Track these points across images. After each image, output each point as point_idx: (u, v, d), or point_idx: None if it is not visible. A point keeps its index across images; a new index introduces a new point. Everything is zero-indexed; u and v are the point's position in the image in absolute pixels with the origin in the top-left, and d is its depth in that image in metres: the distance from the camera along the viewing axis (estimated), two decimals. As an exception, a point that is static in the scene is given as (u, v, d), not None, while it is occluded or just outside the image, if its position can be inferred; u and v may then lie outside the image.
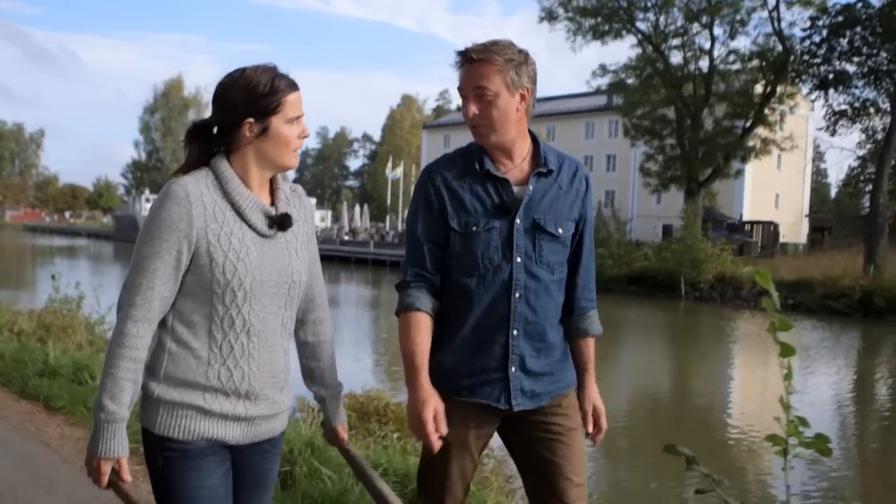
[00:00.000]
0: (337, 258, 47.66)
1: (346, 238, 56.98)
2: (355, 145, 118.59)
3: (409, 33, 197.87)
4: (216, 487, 2.11)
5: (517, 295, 2.46)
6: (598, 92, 41.77)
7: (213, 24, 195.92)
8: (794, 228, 53.15)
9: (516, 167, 2.51)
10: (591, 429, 2.61)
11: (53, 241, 73.41)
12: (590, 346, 2.66)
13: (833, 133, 34.78)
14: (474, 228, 2.46)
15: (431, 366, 2.46)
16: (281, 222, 2.15)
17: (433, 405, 2.37)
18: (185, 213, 2.01)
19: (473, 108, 2.42)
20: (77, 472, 4.80)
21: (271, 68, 2.11)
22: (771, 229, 45.59)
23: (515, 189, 2.48)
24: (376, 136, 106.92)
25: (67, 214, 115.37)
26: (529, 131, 2.56)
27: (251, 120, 2.08)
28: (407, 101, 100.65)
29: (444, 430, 2.37)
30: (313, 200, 1.86)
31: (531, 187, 2.48)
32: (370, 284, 37.50)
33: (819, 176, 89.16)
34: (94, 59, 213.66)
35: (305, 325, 2.40)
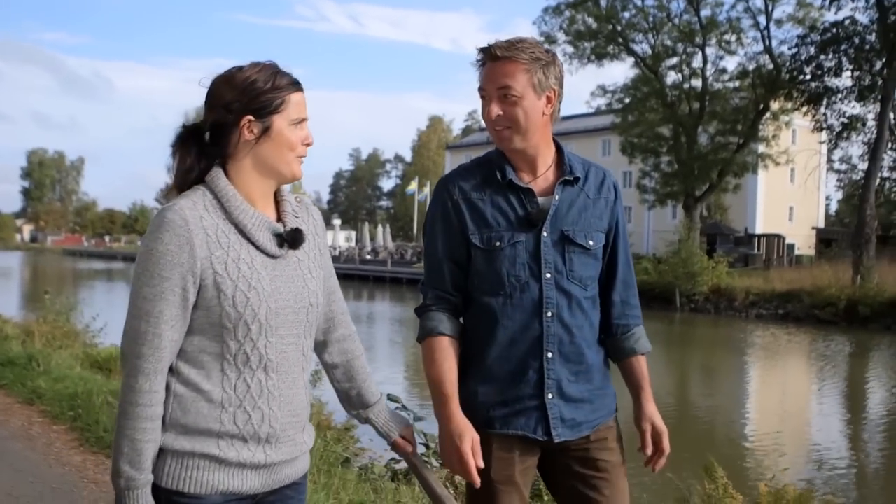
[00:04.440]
0: (357, 276, 49.36)
1: (368, 257, 58.68)
2: (388, 166, 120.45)
3: (444, 54, 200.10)
4: None
5: (549, 314, 2.27)
6: (609, 111, 43.01)
7: (248, 49, 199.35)
8: (810, 240, 53.67)
9: (540, 176, 2.33)
10: (649, 451, 2.35)
11: (92, 264, 75.94)
12: (642, 365, 2.43)
13: (835, 147, 35.86)
14: (498, 244, 2.27)
15: (462, 396, 2.29)
16: (292, 239, 1.94)
17: (470, 437, 2.21)
18: (185, 243, 1.79)
19: (496, 110, 2.23)
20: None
21: (272, 65, 1.92)
22: (776, 242, 46.33)
23: (540, 200, 2.29)
24: (408, 156, 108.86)
25: (107, 239, 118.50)
26: (553, 139, 2.38)
27: (251, 118, 1.86)
28: (434, 123, 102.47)
29: (482, 462, 2.22)
30: (317, 215, 1.76)
31: (557, 197, 2.30)
32: (386, 301, 38.90)
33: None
34: (127, 86, 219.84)
35: (329, 345, 2.19)
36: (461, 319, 2.38)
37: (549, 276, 2.26)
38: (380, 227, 69.24)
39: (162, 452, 1.83)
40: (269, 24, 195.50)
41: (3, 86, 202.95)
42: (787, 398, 16.42)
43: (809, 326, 27.83)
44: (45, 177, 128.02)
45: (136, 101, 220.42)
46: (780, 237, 47.32)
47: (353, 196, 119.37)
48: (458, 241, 2.31)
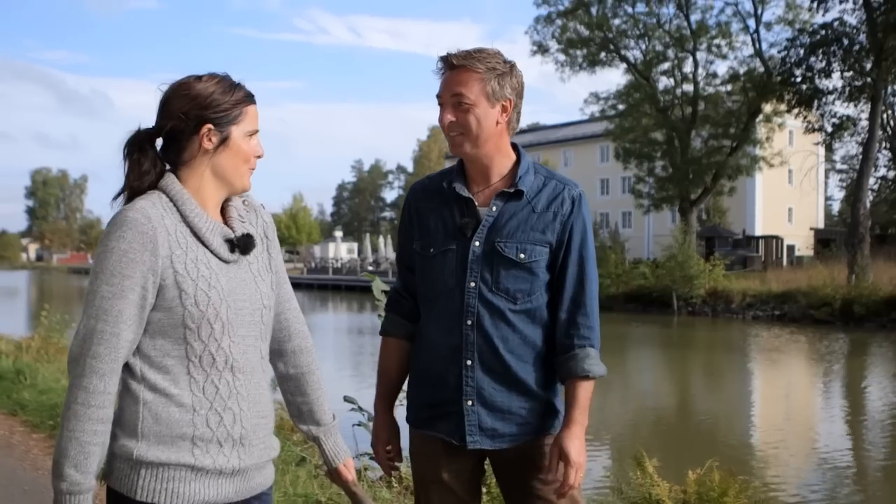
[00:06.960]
0: (358, 287, 49.70)
1: (370, 268, 58.96)
2: (390, 177, 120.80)
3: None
4: None
5: (469, 322, 2.30)
6: (606, 117, 43.31)
7: (247, 64, 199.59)
8: (809, 241, 53.75)
9: (490, 187, 2.36)
10: (549, 477, 2.33)
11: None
12: (576, 389, 2.31)
13: (828, 148, 36.08)
14: (431, 250, 2.36)
15: (408, 394, 2.49)
16: (244, 245, 1.95)
17: (385, 436, 2.46)
18: (148, 241, 1.78)
19: (449, 116, 2.28)
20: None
21: (227, 77, 1.95)
22: (775, 243, 46.48)
23: (481, 210, 2.33)
24: (410, 167, 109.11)
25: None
26: (516, 148, 2.40)
27: (210, 127, 1.88)
28: (435, 133, 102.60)
29: (399, 459, 2.47)
30: (267, 217, 1.74)
31: (494, 208, 2.32)
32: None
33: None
34: (126, 103, 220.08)
35: (284, 356, 2.15)
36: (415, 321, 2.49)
37: (472, 285, 2.29)
38: (381, 239, 69.50)
39: (135, 465, 1.80)
40: (267, 38, 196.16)
41: (3, 105, 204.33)
42: (786, 398, 16.52)
43: (806, 327, 27.93)
44: (50, 195, 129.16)
45: (135, 118, 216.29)
46: (778, 238, 47.45)
47: (356, 208, 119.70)
48: (409, 247, 2.44)
